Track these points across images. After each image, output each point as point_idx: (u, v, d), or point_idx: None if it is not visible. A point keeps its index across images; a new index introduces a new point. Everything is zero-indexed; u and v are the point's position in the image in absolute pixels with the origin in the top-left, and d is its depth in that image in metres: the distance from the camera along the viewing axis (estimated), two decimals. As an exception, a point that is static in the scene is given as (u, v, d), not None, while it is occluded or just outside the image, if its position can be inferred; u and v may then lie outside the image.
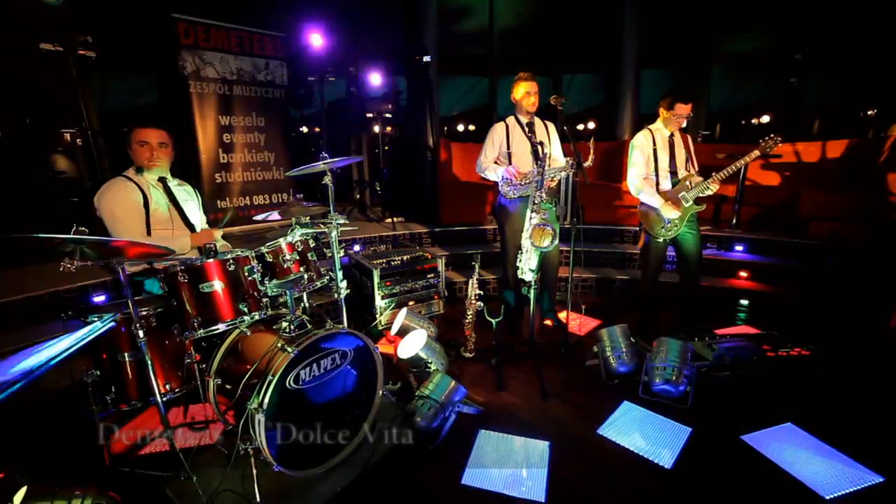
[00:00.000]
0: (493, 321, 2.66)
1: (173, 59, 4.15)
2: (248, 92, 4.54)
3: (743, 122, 12.13)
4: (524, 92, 2.88)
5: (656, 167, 2.83)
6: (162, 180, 2.36)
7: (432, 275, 3.35)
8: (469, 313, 2.81)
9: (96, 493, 1.57)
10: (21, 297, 2.68)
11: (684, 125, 2.82)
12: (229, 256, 1.68)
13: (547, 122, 3.12)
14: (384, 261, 3.19)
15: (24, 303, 2.69)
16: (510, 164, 2.93)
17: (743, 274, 3.94)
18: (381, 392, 2.07)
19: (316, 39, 5.20)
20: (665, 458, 1.98)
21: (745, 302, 3.70)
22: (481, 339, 2.94)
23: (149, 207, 2.25)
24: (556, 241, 2.44)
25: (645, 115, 6.09)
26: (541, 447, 2.06)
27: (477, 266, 2.79)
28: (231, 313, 1.70)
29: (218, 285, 1.67)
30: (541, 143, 2.62)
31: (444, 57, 5.53)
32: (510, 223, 2.99)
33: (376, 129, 6.07)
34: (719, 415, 2.28)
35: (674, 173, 2.82)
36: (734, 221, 4.42)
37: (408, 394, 2.39)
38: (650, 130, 2.86)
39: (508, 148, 2.98)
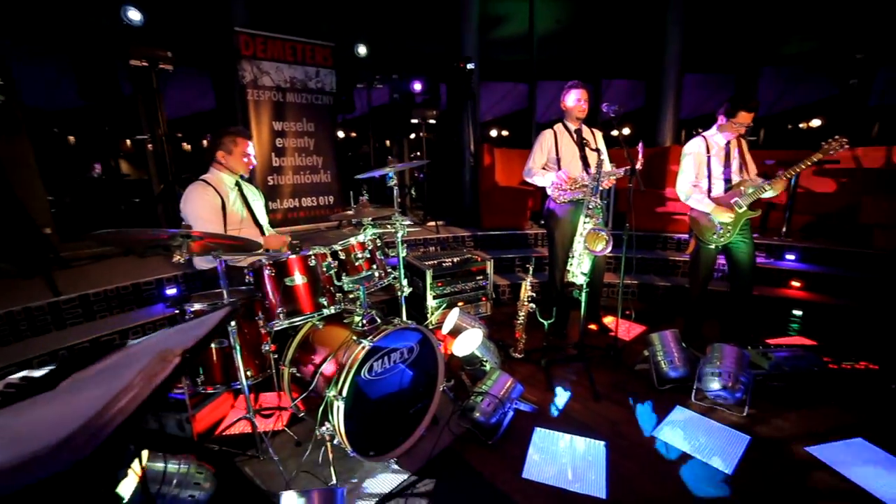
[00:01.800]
0: (546, 323, 2.71)
1: (234, 68, 4.41)
2: (299, 99, 4.76)
3: (789, 126, 11.66)
4: (575, 99, 2.93)
5: (709, 174, 2.82)
6: (237, 184, 2.54)
7: (481, 277, 3.43)
8: (521, 314, 2.87)
9: (196, 463, 1.73)
10: (112, 288, 2.94)
11: (743, 133, 2.78)
12: (310, 253, 1.81)
13: (594, 129, 3.16)
14: (436, 262, 3.30)
15: (115, 292, 2.94)
16: (559, 169, 2.99)
17: (795, 284, 3.83)
18: (441, 387, 2.16)
19: (362, 49, 5.42)
20: (723, 463, 1.98)
21: (798, 312, 3.59)
22: (528, 341, 2.99)
23: (226, 209, 2.43)
24: (610, 247, 2.48)
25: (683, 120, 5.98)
26: (598, 446, 2.09)
27: (531, 269, 2.85)
28: (311, 306, 1.83)
29: (300, 279, 1.80)
30: (597, 150, 2.66)
31: (481, 63, 5.63)
32: (559, 227, 3.04)
33: (417, 133, 6.23)
34: (779, 425, 2.25)
35: (727, 180, 2.80)
36: (784, 230, 4.30)
37: (461, 391, 2.47)
38: (704, 138, 2.84)
39: (557, 154, 3.04)
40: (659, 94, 6.26)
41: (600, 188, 2.60)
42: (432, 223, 4.73)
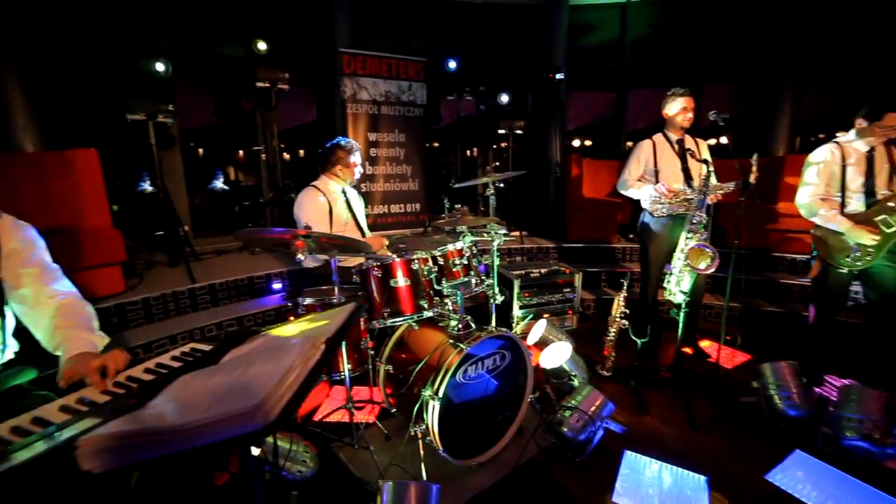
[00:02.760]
0: (639, 341, 2.58)
1: (336, 84, 4.82)
2: (392, 111, 5.06)
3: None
4: (680, 108, 2.77)
5: (843, 186, 2.48)
6: (343, 190, 2.78)
7: (568, 290, 3.37)
8: (612, 330, 2.76)
9: (303, 443, 1.91)
10: (232, 279, 3.37)
11: (894, 137, 2.40)
12: (414, 257, 1.93)
13: (697, 139, 2.96)
14: (523, 272, 3.30)
15: (233, 284, 3.37)
16: (657, 182, 2.84)
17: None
18: (529, 398, 2.16)
19: (452, 63, 5.61)
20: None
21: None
22: (616, 359, 2.86)
23: (332, 213, 2.67)
24: (716, 265, 2.30)
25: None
26: (697, 480, 1.94)
27: (625, 284, 2.74)
28: (412, 308, 1.94)
29: (403, 281, 1.92)
30: (705, 161, 2.49)
31: (567, 72, 5.53)
32: (654, 243, 2.89)
33: (499, 144, 6.28)
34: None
35: (869, 193, 2.43)
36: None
37: (545, 404, 2.44)
38: (838, 144, 2.51)
39: (656, 166, 2.89)
40: (769, 99, 5.68)
41: (707, 202, 2.43)
42: (516, 233, 4.73)
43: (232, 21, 4.90)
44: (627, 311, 2.77)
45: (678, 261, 2.49)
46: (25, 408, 0.98)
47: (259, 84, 4.03)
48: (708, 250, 2.33)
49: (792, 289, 3.76)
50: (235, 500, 1.61)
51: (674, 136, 2.88)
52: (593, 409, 2.11)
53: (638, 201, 2.97)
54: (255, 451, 1.63)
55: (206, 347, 1.27)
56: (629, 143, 7.33)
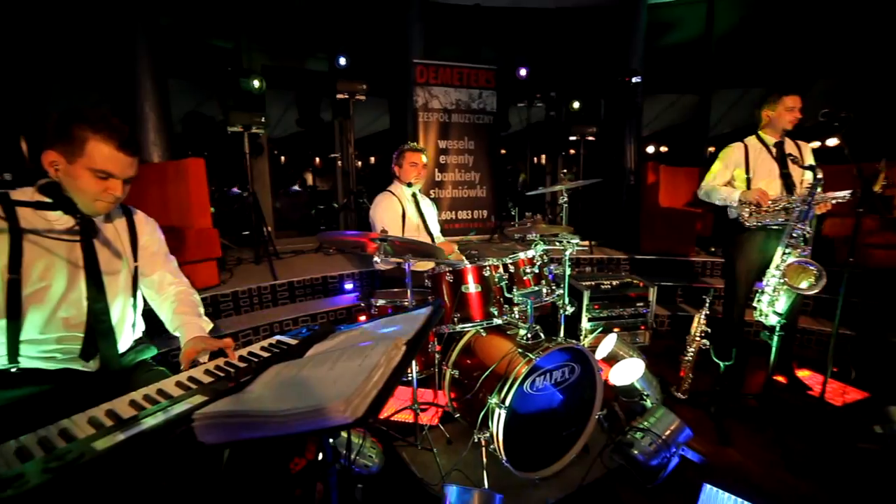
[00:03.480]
0: (722, 364, 2.37)
1: (409, 94, 5.00)
2: (463, 119, 5.14)
3: None
4: (787, 107, 2.49)
5: None
6: (414, 195, 2.87)
7: (641, 304, 3.19)
8: (690, 350, 2.57)
9: (370, 438, 1.98)
10: (308, 278, 3.61)
11: None
12: (486, 264, 1.94)
13: (799, 142, 2.67)
14: (593, 283, 3.19)
15: (309, 282, 3.61)
16: (748, 189, 2.60)
17: None
18: (597, 415, 2.07)
19: (522, 71, 5.58)
20: None
21: None
22: (693, 381, 2.65)
23: (405, 216, 2.77)
24: (822, 284, 2.05)
25: None
26: (793, 526, 1.74)
27: (707, 301, 2.54)
28: (481, 314, 1.95)
29: (474, 288, 1.94)
30: (811, 167, 2.24)
31: (644, 75, 5.25)
32: (744, 256, 2.64)
33: (568, 151, 6.12)
34: None
35: None
36: None
37: (613, 423, 2.32)
38: None
39: (747, 172, 2.64)
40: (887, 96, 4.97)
41: (812, 213, 2.18)
42: (585, 242, 4.58)
43: (316, 38, 5.29)
44: (709, 330, 2.56)
45: (773, 278, 2.26)
46: (149, 380, 1.15)
47: (339, 95, 4.34)
48: (812, 267, 2.09)
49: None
50: (309, 487, 1.71)
51: (771, 140, 2.62)
52: (668, 433, 1.97)
53: (722, 211, 2.74)
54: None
55: (291, 341, 1.37)
56: (711, 149, 6.77)
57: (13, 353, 1.18)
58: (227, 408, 0.86)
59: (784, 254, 2.23)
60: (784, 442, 2.15)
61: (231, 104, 3.87)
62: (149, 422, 0.89)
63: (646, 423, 2.03)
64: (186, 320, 1.42)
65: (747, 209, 2.53)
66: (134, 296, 1.44)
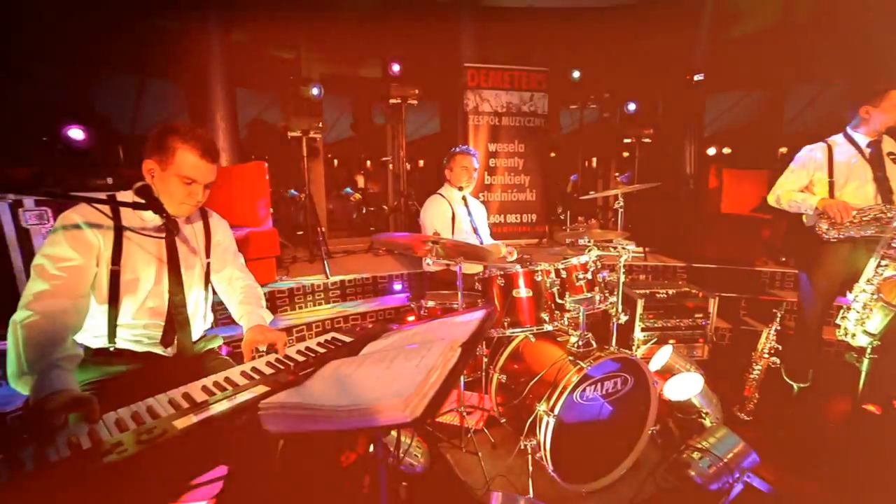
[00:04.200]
0: (796, 386, 2.18)
1: (459, 98, 5.04)
2: (513, 122, 5.10)
3: None
4: (894, 103, 2.22)
5: None
6: (464, 197, 2.88)
7: (700, 315, 3.00)
8: (756, 368, 2.39)
9: (417, 438, 2.01)
10: (359, 277, 3.73)
11: None
12: (538, 269, 1.91)
13: (896, 140, 2.39)
14: (647, 291, 3.04)
15: (360, 282, 3.72)
16: (831, 195, 2.37)
17: None
18: (650, 430, 1.97)
19: (576, 73, 5.45)
20: None
21: None
22: (761, 402, 2.45)
23: (455, 219, 2.78)
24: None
25: None
26: (879, 570, 1.56)
27: (779, 315, 2.35)
28: (532, 320, 1.92)
29: (525, 292, 1.92)
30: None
31: (707, 71, 4.93)
32: (825, 268, 2.39)
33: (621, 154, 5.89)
34: None
35: None
36: None
37: (667, 440, 2.20)
38: None
39: (830, 176, 2.40)
40: None
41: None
42: (639, 249, 4.39)
43: (370, 45, 5.48)
44: (779, 347, 2.36)
45: (863, 293, 2.04)
46: (216, 368, 1.27)
47: (392, 100, 4.47)
48: (909, 283, 1.87)
49: None
50: (357, 481, 1.76)
51: (864, 139, 2.36)
52: (731, 455, 1.84)
53: (796, 217, 2.51)
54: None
55: (347, 338, 1.43)
56: (783, 150, 6.23)
57: (112, 334, 1.35)
58: (290, 399, 0.90)
59: (881, 266, 2.01)
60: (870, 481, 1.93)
61: (291, 111, 4.11)
62: (217, 407, 0.96)
63: (705, 443, 1.90)
64: (250, 310, 1.56)
65: (825, 222, 2.30)
66: (206, 289, 1.56)
